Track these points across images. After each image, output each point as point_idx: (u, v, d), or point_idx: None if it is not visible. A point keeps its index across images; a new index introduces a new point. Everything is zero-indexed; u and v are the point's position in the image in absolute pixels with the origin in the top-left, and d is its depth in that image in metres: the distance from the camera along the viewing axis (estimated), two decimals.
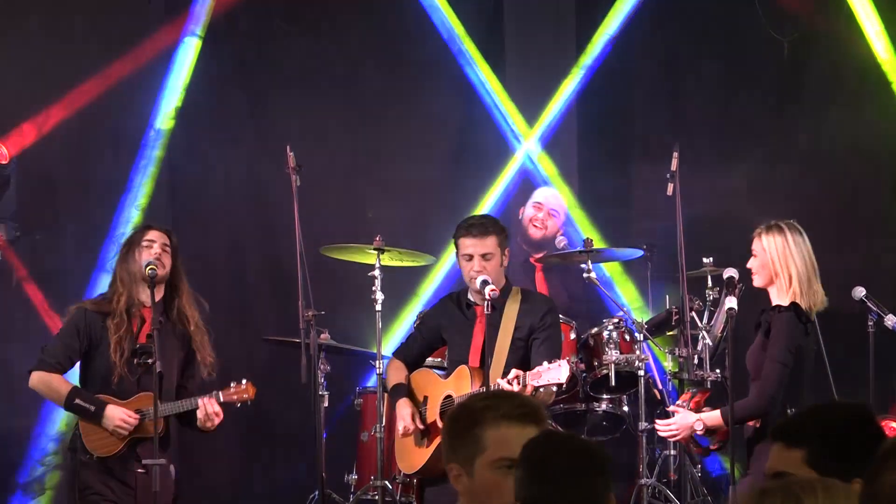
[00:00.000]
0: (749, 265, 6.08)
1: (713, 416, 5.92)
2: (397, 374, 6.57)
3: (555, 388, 6.10)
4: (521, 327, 6.38)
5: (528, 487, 3.07)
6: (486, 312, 6.08)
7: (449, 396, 6.34)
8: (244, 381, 6.40)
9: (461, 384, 6.28)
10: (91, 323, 6.40)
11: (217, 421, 6.32)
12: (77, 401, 6.29)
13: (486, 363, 6.09)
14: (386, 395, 6.92)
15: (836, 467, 2.97)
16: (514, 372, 6.06)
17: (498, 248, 6.38)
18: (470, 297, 6.51)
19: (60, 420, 8.13)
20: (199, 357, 6.43)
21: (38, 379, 6.44)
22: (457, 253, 6.47)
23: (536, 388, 6.01)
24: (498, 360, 6.28)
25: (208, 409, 6.26)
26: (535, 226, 7.99)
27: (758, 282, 6.09)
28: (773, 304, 5.94)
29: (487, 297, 6.07)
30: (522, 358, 6.32)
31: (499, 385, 6.04)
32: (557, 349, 6.40)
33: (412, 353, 6.66)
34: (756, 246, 6.09)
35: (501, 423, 3.30)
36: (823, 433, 3.04)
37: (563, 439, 3.26)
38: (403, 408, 6.38)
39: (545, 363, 6.00)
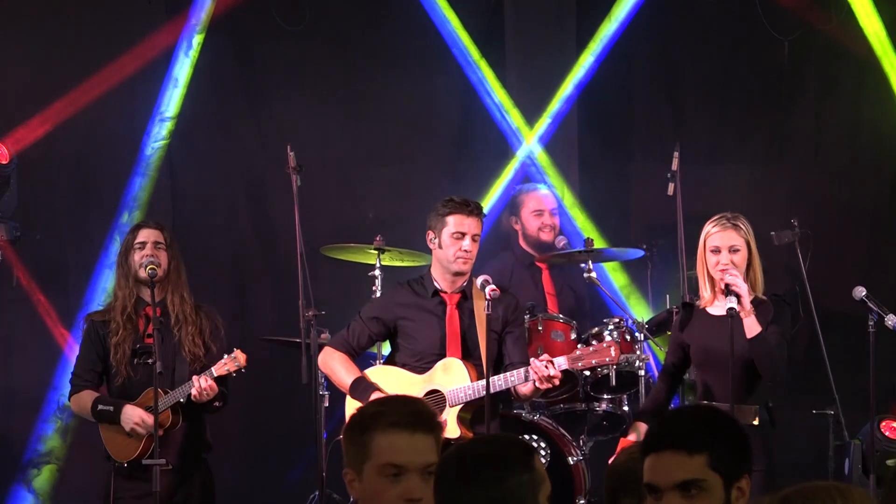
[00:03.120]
0: (734, 259, 6.00)
1: (753, 321, 5.87)
2: (349, 367, 6.27)
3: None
4: (495, 319, 6.14)
5: (435, 491, 3.13)
6: (486, 312, 5.95)
7: (435, 391, 6.15)
8: (235, 350, 6.41)
9: (452, 378, 6.10)
10: (101, 331, 6.49)
11: (211, 395, 6.32)
12: (99, 406, 6.42)
13: (488, 355, 5.98)
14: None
15: (735, 467, 3.07)
16: (545, 356, 5.95)
17: (480, 231, 6.25)
18: (437, 283, 6.26)
19: (61, 420, 8.14)
20: (184, 350, 6.44)
21: (73, 403, 6.63)
22: (438, 229, 6.22)
23: (581, 371, 5.95)
24: (480, 352, 6.13)
25: (201, 383, 6.29)
26: (545, 231, 7.93)
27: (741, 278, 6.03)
28: (733, 303, 5.87)
29: (488, 297, 5.94)
30: (497, 351, 6.19)
31: (534, 364, 5.89)
32: (527, 344, 6.38)
33: (359, 346, 6.35)
34: (737, 239, 6.04)
35: (389, 430, 3.26)
36: (720, 436, 3.08)
37: (469, 445, 3.23)
38: None
39: (580, 346, 5.94)
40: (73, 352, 7.57)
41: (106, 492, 6.44)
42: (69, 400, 6.63)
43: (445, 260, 6.21)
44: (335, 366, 6.30)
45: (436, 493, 3.12)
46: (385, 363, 6.52)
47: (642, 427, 6.09)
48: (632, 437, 6.06)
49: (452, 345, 6.18)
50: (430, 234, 6.28)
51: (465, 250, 6.14)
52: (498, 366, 6.22)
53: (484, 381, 5.98)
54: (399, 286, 6.41)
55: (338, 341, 6.37)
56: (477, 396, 6.02)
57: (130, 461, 6.37)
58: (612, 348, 5.93)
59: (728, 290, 5.94)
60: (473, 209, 6.19)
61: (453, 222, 6.18)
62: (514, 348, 6.20)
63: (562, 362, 5.93)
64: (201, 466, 6.55)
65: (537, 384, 5.93)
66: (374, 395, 6.10)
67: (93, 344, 6.53)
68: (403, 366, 6.29)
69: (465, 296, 6.21)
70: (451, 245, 6.17)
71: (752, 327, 5.89)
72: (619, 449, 5.85)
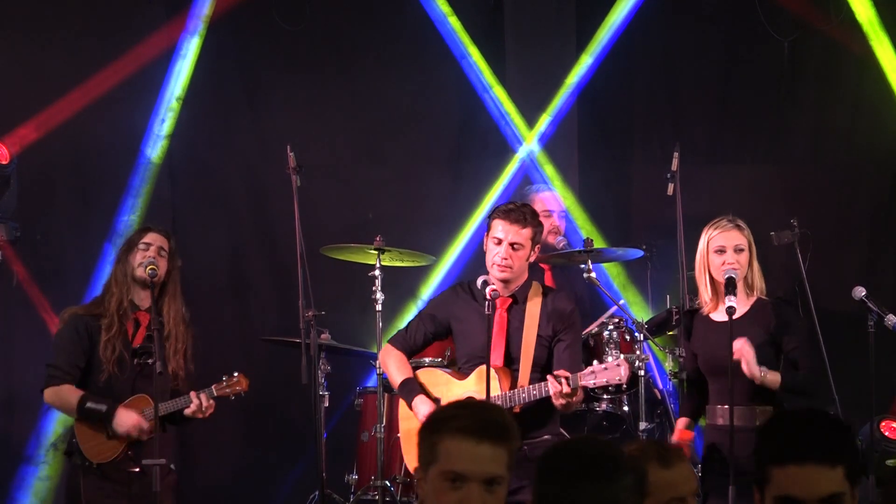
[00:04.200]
0: (740, 260, 6.01)
1: (773, 377, 5.89)
2: (402, 367, 6.26)
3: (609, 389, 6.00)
4: (545, 325, 6.12)
5: (538, 488, 3.07)
6: (486, 313, 5.91)
7: (471, 399, 6.08)
8: (236, 374, 6.41)
9: (485, 386, 5.95)
10: (87, 325, 6.41)
11: (209, 413, 6.34)
12: (88, 404, 6.29)
13: (487, 360, 5.90)
14: (387, 392, 6.87)
15: (859, 476, 3.01)
16: (562, 372, 5.87)
17: (530, 241, 6.09)
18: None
19: (58, 421, 8.13)
20: (170, 365, 6.41)
21: (50, 394, 6.45)
22: (486, 233, 6.17)
23: (592, 389, 5.90)
24: (525, 358, 6.08)
25: (203, 402, 6.28)
26: (552, 234, 7.93)
27: (738, 275, 6.04)
28: (733, 302, 5.88)
29: (488, 296, 5.91)
30: (546, 358, 6.12)
31: (550, 380, 5.83)
32: (581, 353, 6.25)
33: (415, 344, 6.34)
34: (741, 239, 6.05)
35: (456, 436, 3.19)
36: (852, 446, 3.03)
37: (577, 444, 3.21)
38: (423, 406, 6.08)
39: (595, 362, 5.89)
40: None
41: (75, 491, 6.32)
42: (44, 390, 6.44)
43: (488, 264, 6.16)
44: (390, 364, 6.30)
45: (541, 487, 3.06)
46: (440, 363, 6.54)
47: (683, 423, 6.16)
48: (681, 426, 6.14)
49: (496, 349, 6.10)
50: (485, 237, 6.23)
51: (502, 257, 6.06)
52: (546, 373, 6.11)
53: (513, 392, 5.96)
54: (459, 286, 6.36)
55: (397, 339, 6.38)
56: (506, 407, 5.92)
57: (102, 464, 6.32)
58: (623, 368, 5.90)
59: (727, 289, 5.93)
60: (516, 217, 6.07)
61: (494, 227, 6.12)
62: (560, 358, 6.08)
63: (576, 379, 5.89)
64: (168, 472, 6.50)
65: (553, 401, 5.89)
66: (418, 398, 6.10)
67: (80, 338, 6.40)
68: (455, 367, 6.27)
69: (517, 300, 6.13)
70: (490, 250, 6.12)
71: (773, 382, 5.90)
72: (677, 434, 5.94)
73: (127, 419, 6.28)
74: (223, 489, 8.53)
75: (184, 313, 6.51)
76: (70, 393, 6.36)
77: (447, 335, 6.39)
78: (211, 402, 6.32)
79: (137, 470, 6.24)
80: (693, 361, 6.23)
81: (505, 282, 6.14)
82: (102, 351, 6.34)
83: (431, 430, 3.24)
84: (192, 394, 6.30)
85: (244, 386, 6.40)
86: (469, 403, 3.37)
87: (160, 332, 6.25)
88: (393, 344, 6.37)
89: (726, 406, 5.97)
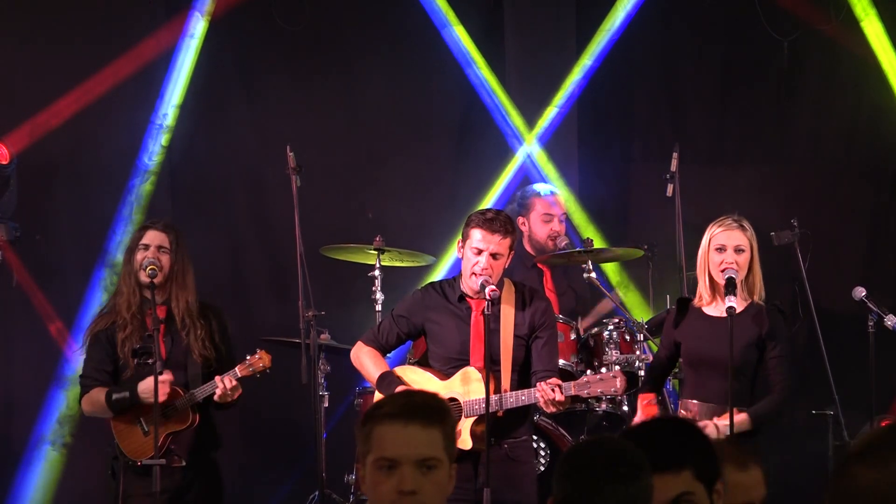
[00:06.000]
0: (738, 260, 6.00)
1: (741, 419, 5.85)
2: (378, 362, 6.21)
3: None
4: (521, 324, 6.11)
5: (560, 488, 3.08)
6: (486, 313, 5.88)
7: (454, 400, 6.03)
8: (258, 352, 6.40)
9: (469, 388, 6.00)
10: (107, 331, 6.47)
11: (236, 396, 6.33)
12: (114, 396, 6.36)
13: (486, 364, 5.90)
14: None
15: (714, 472, 3.11)
16: (554, 380, 5.86)
17: (509, 250, 6.09)
18: (463, 288, 6.16)
19: (57, 418, 8.14)
20: (194, 354, 6.43)
21: (84, 403, 6.54)
22: (463, 241, 6.11)
23: (585, 398, 5.89)
24: (505, 360, 6.05)
25: (226, 385, 6.28)
26: (552, 238, 7.91)
27: (737, 276, 6.03)
28: (733, 303, 5.87)
29: (488, 297, 5.87)
30: (524, 357, 6.12)
31: (540, 387, 5.82)
32: (557, 348, 6.30)
33: (388, 344, 6.28)
34: (742, 239, 6.04)
35: (384, 421, 3.16)
36: (699, 446, 3.13)
37: (599, 444, 3.21)
38: None
39: (589, 372, 5.88)
40: (72, 351, 7.58)
41: (115, 489, 6.37)
42: (80, 402, 6.54)
43: (464, 271, 6.13)
44: (364, 360, 6.25)
45: (565, 487, 3.02)
46: (417, 363, 6.45)
47: (649, 398, 6.19)
48: (646, 402, 6.16)
49: (476, 350, 6.08)
50: (460, 242, 6.17)
51: (482, 268, 6.01)
52: (525, 372, 6.13)
53: (499, 396, 5.95)
54: (430, 287, 6.29)
55: (369, 337, 6.32)
56: (491, 410, 5.89)
57: (145, 462, 6.30)
58: (619, 380, 5.90)
59: (727, 289, 5.93)
60: (499, 227, 6.02)
61: (475, 237, 6.06)
62: (539, 356, 6.08)
63: (569, 388, 5.89)
64: (211, 465, 6.53)
65: (542, 406, 5.90)
66: (399, 389, 6.01)
67: (101, 346, 6.47)
68: (431, 368, 6.22)
69: (492, 301, 6.03)
70: (470, 259, 6.06)
71: (741, 423, 5.85)
72: (642, 405, 6.05)
73: (149, 384, 6.25)
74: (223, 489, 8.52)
75: (196, 302, 6.51)
76: (98, 394, 6.44)
77: (419, 336, 6.33)
78: (235, 383, 6.30)
79: (183, 464, 6.29)
80: (669, 349, 6.19)
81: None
82: (120, 349, 6.38)
83: (363, 423, 3.21)
84: (217, 378, 6.30)
85: (267, 362, 6.37)
86: (399, 392, 3.34)
87: (169, 335, 6.28)
88: (365, 342, 6.31)
89: (695, 401, 5.99)
